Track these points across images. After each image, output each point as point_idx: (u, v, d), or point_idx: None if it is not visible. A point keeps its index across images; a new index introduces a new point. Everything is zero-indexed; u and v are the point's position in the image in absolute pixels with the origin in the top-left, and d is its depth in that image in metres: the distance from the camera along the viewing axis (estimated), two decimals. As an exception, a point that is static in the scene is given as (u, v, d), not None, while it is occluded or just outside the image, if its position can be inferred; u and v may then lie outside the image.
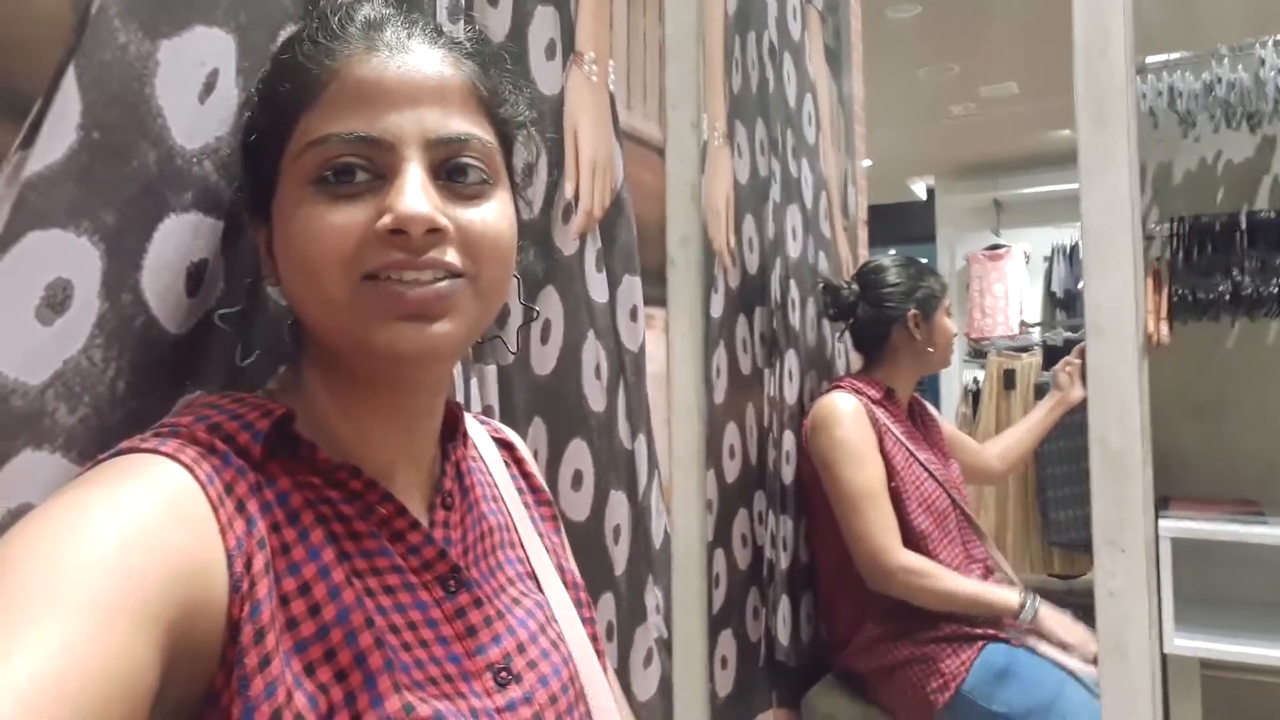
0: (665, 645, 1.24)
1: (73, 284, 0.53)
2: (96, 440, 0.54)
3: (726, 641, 1.46)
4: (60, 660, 0.35)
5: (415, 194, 0.49)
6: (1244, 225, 1.77)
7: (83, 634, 0.36)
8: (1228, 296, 1.73)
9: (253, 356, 0.62)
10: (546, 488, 0.74)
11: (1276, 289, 1.68)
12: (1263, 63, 1.72)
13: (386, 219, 0.49)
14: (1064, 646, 1.50)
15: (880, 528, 1.55)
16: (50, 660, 0.35)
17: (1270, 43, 1.73)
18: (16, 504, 0.50)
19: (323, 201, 0.50)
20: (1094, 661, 1.48)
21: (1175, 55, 1.84)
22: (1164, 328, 1.72)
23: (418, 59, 0.52)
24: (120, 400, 0.56)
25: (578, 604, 0.66)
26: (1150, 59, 1.82)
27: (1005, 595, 1.54)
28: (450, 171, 0.52)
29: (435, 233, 0.50)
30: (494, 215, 0.54)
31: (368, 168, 0.51)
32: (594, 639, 0.66)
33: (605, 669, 0.65)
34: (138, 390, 0.56)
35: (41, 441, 0.52)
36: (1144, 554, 0.95)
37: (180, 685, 0.42)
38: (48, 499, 0.43)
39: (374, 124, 0.50)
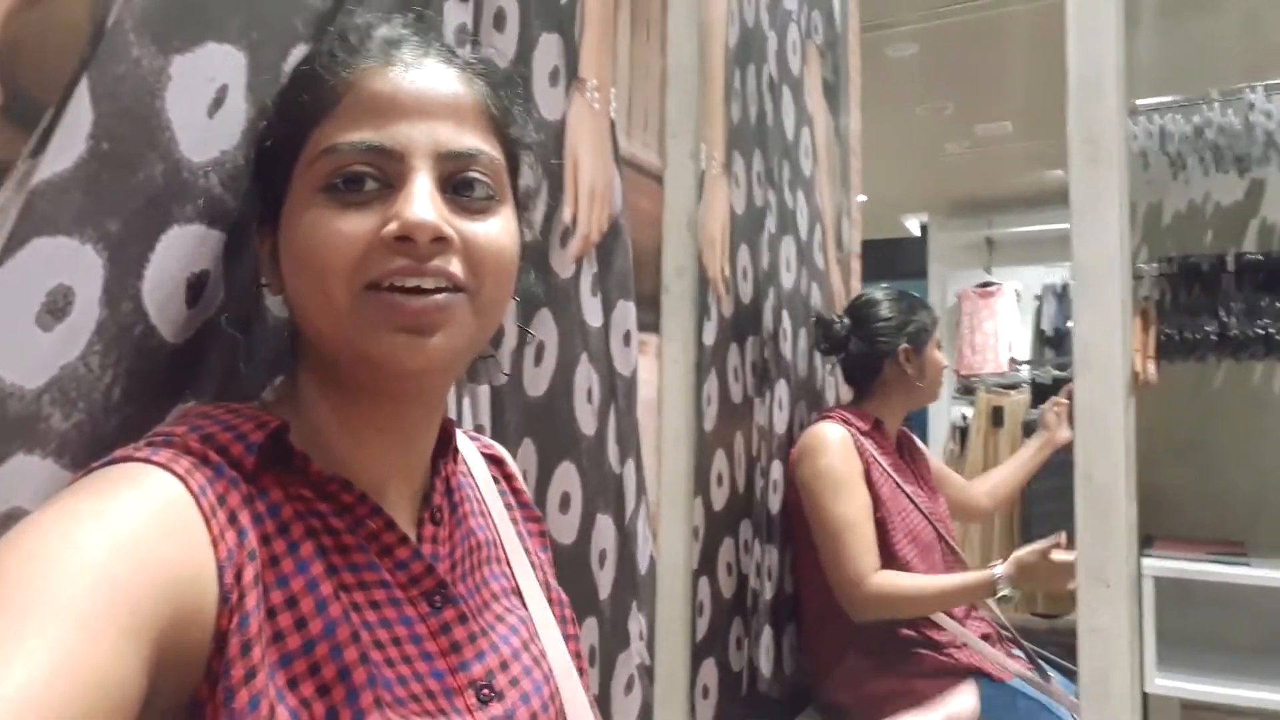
0: (647, 672, 1.23)
1: (74, 291, 0.54)
2: (89, 447, 0.54)
3: (709, 670, 1.45)
4: (49, 671, 0.35)
5: (423, 202, 0.50)
6: (1231, 267, 1.79)
7: (71, 643, 0.36)
8: (1214, 337, 1.75)
9: (252, 366, 0.63)
10: (535, 505, 0.74)
11: (1262, 331, 1.70)
12: (1252, 107, 1.75)
13: (393, 225, 0.50)
14: (1051, 574, 1.44)
15: (857, 557, 1.54)
16: (39, 671, 0.35)
17: (1260, 88, 1.77)
18: (7, 508, 0.50)
19: (331, 208, 0.51)
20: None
21: (1167, 98, 1.87)
22: (1151, 367, 1.74)
23: (433, 75, 0.54)
24: (115, 407, 0.56)
25: (562, 621, 0.67)
26: (1141, 101, 1.86)
27: (976, 575, 1.51)
28: (458, 185, 0.53)
29: (440, 241, 0.51)
30: (498, 231, 0.54)
31: (377, 177, 0.51)
32: (577, 656, 0.66)
33: (586, 689, 0.65)
34: (133, 398, 0.57)
35: (34, 446, 0.52)
36: (1128, 590, 0.96)
37: (167, 695, 0.42)
38: (40, 507, 0.44)
39: (385, 134, 0.51)
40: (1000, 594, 1.47)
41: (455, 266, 0.52)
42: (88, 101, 0.54)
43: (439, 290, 0.51)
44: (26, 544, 0.40)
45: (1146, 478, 1.33)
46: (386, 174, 0.52)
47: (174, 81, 0.59)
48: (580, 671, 0.66)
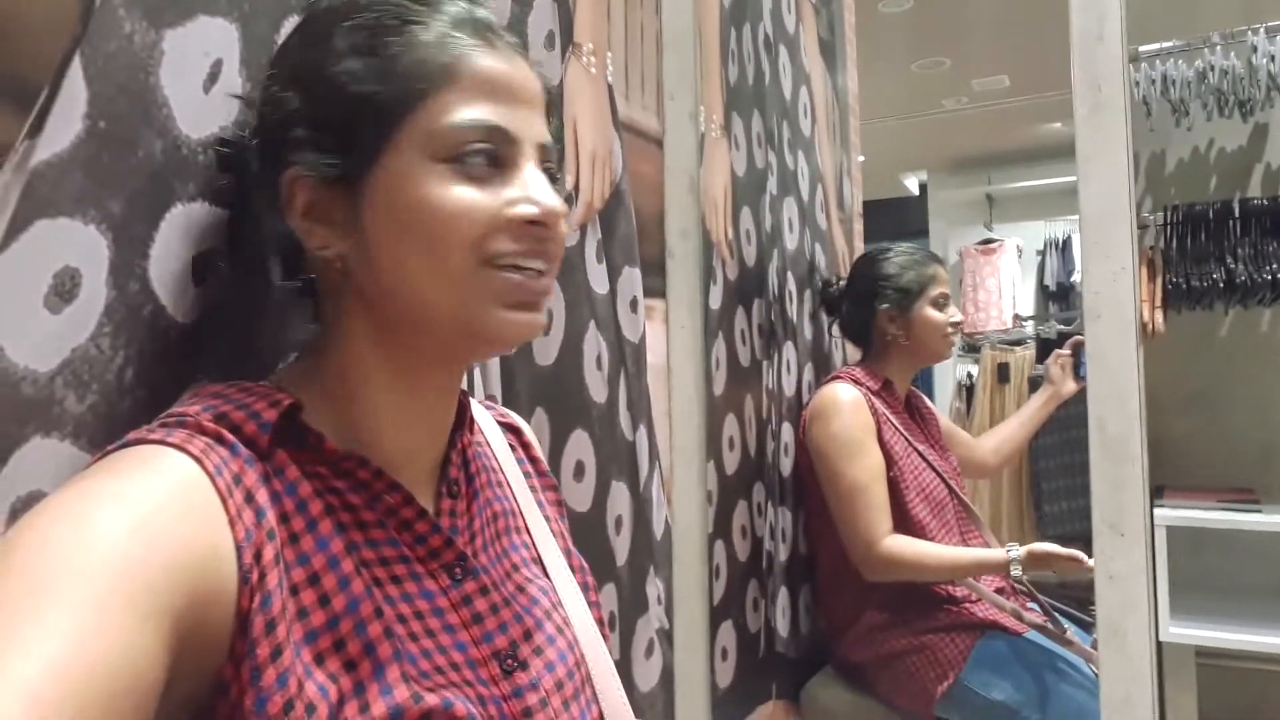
0: (667, 636, 1.24)
1: (81, 272, 0.53)
2: (105, 428, 0.54)
3: (726, 633, 1.46)
4: (67, 653, 0.35)
5: (549, 191, 0.55)
6: (1237, 213, 1.77)
7: (90, 627, 0.36)
8: (1222, 284, 1.74)
9: (265, 343, 0.62)
10: (551, 474, 0.74)
11: (1270, 276, 1.69)
12: (1255, 49, 1.73)
13: (530, 210, 0.53)
14: (1059, 560, 1.48)
15: (872, 518, 1.55)
16: (57, 653, 0.35)
17: (1263, 29, 1.74)
18: (26, 491, 0.50)
19: (452, 180, 0.53)
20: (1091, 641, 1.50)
21: (1168, 44, 1.85)
22: (1159, 316, 1.73)
23: (524, 65, 0.57)
24: (128, 389, 0.56)
25: (584, 588, 0.67)
26: (1143, 47, 1.83)
27: (991, 554, 1.53)
28: (543, 173, 0.56)
29: (556, 229, 0.55)
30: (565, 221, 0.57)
31: (493, 155, 0.54)
32: (600, 623, 0.66)
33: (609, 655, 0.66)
34: (146, 379, 0.57)
35: (50, 429, 0.52)
36: (1143, 538, 0.96)
37: (189, 677, 0.42)
38: (56, 491, 0.44)
39: (506, 117, 0.54)
40: (1012, 559, 1.48)
41: (553, 251, 0.56)
42: (81, 80, 0.53)
43: (543, 274, 0.55)
44: (44, 528, 0.40)
45: (1156, 429, 1.33)
46: (499, 154, 0.54)
47: (167, 56, 0.58)
48: (603, 638, 0.66)
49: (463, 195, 0.52)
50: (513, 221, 0.53)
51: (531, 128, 0.55)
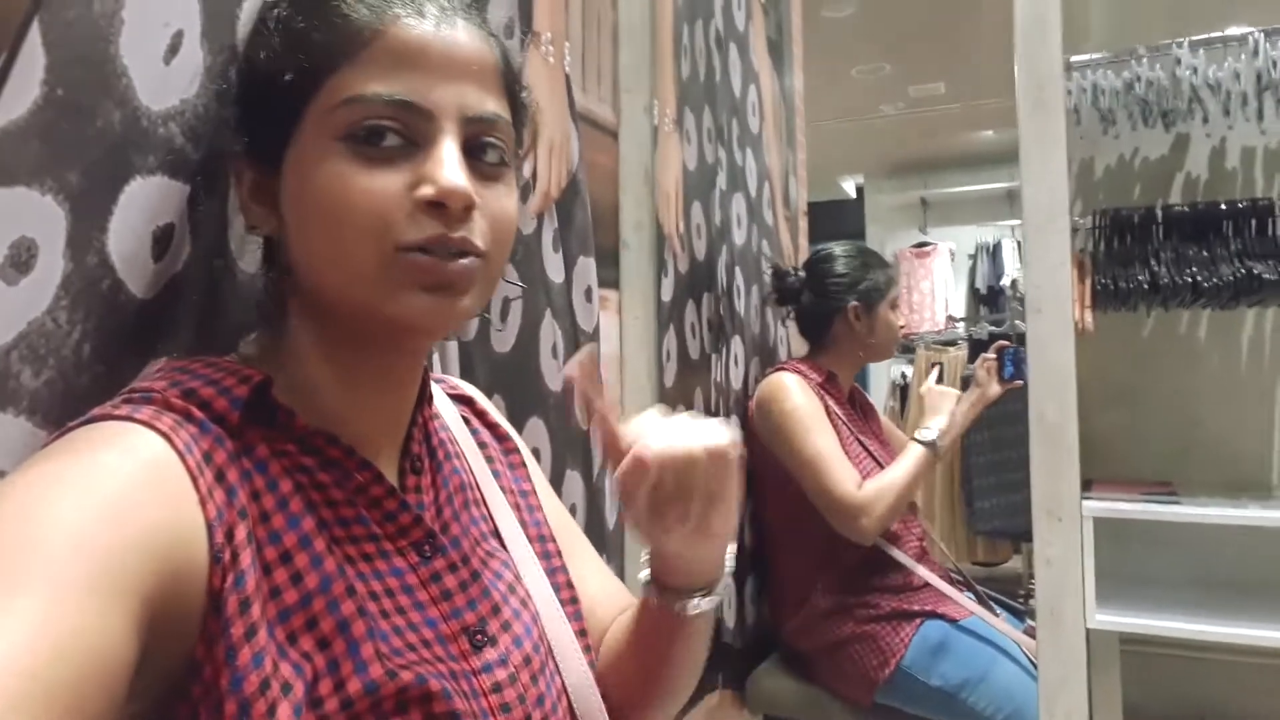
0: (617, 625, 1.25)
1: (37, 243, 0.52)
2: (61, 404, 0.52)
3: (675, 622, 1.47)
4: (32, 639, 0.34)
5: (456, 169, 0.50)
6: (1160, 219, 1.86)
7: (56, 612, 0.35)
8: (1146, 285, 1.82)
9: (224, 320, 0.61)
10: (513, 432, 0.74)
11: (1190, 279, 1.78)
12: (1179, 62, 1.81)
13: (429, 190, 0.49)
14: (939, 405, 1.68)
15: (844, 478, 1.59)
16: (22, 639, 0.34)
17: (1186, 43, 1.83)
18: (-21, 467, 0.49)
19: (354, 162, 0.49)
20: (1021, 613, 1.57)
21: (1098, 55, 1.92)
22: (1088, 315, 1.80)
23: (461, 33, 0.52)
24: (86, 364, 0.54)
25: (544, 555, 0.67)
26: (1074, 58, 1.90)
27: (915, 448, 1.66)
28: (475, 149, 0.52)
29: (469, 209, 0.50)
30: (508, 199, 0.54)
31: (402, 133, 0.50)
32: (568, 586, 0.67)
33: (573, 618, 0.65)
34: (104, 355, 0.55)
35: (5, 404, 0.50)
36: (1078, 523, 1.00)
37: (161, 658, 0.41)
38: (18, 469, 0.42)
39: (416, 90, 0.50)
40: (934, 441, 1.66)
41: (478, 236, 0.51)
42: (40, 46, 0.52)
43: (462, 254, 0.51)
44: (7, 510, 0.39)
45: (1083, 424, 1.39)
46: (411, 131, 0.50)
47: (127, 26, 0.57)
48: (573, 601, 0.66)
49: (360, 180, 0.49)
50: (416, 204, 0.49)
51: (457, 100, 0.51)
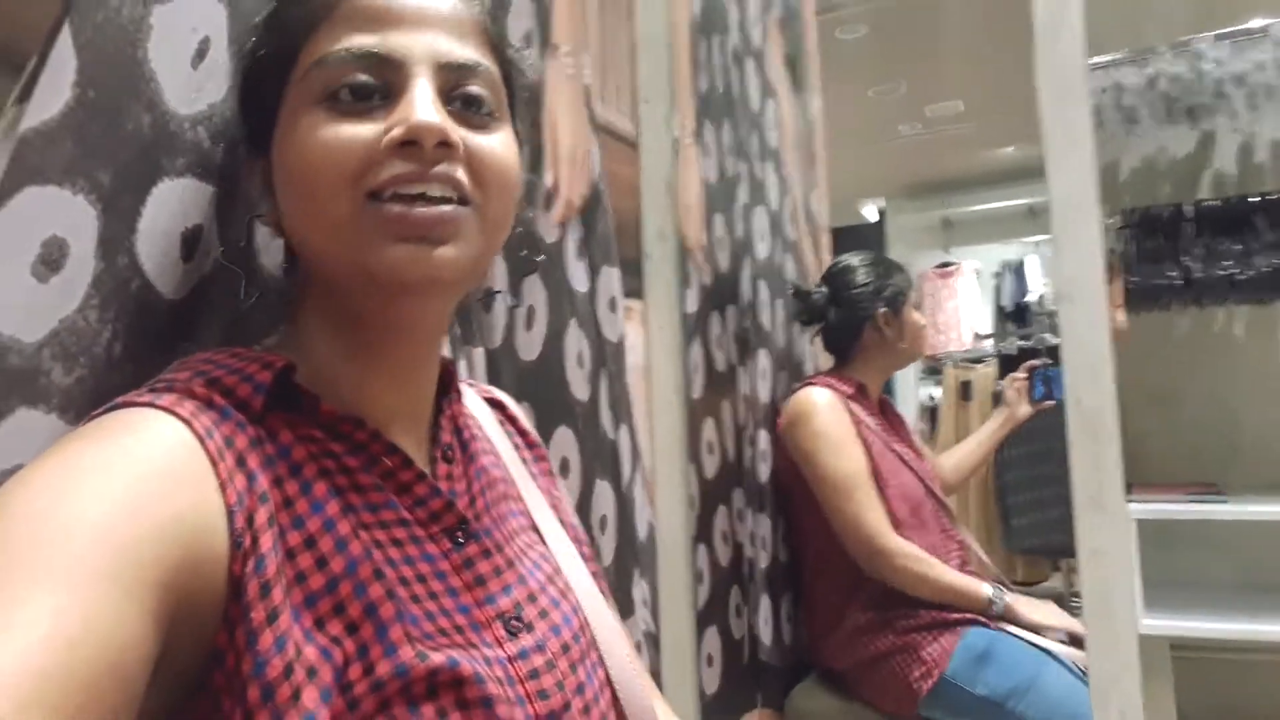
0: (653, 640, 1.23)
1: (68, 243, 0.52)
2: (92, 402, 0.52)
3: (712, 639, 1.45)
4: (47, 635, 0.33)
5: (426, 105, 0.48)
6: (1191, 215, 1.83)
7: (72, 605, 0.35)
8: (1180, 283, 1.79)
9: (251, 319, 0.62)
10: (541, 442, 0.74)
11: (1224, 273, 1.75)
12: (1200, 56, 1.80)
13: (397, 130, 0.48)
14: (1036, 628, 1.53)
15: (872, 511, 1.57)
16: (35, 636, 0.33)
17: (1209, 36, 1.81)
18: (12, 464, 0.49)
19: (328, 118, 0.49)
20: (1070, 641, 1.52)
21: (1118, 55, 1.91)
22: (1120, 315, 1.77)
23: None
24: (116, 363, 0.55)
25: (583, 556, 0.66)
26: (1094, 60, 1.90)
27: (980, 588, 1.57)
28: (459, 99, 0.52)
29: (446, 147, 0.49)
30: (502, 145, 0.53)
31: (377, 87, 0.49)
32: (600, 589, 0.66)
33: (613, 612, 0.65)
34: (134, 353, 0.56)
35: (37, 400, 0.50)
36: (1123, 513, 0.97)
37: (184, 646, 0.41)
38: (40, 457, 0.42)
39: (383, 41, 0.49)
40: (993, 601, 1.56)
41: (461, 175, 0.50)
42: (71, 48, 0.53)
43: (445, 200, 0.49)
44: (25, 499, 0.38)
45: (1121, 427, 1.36)
46: (387, 83, 0.49)
47: (155, 31, 0.58)
48: (604, 599, 0.65)
49: (333, 131, 0.48)
50: (387, 148, 0.47)
51: (429, 46, 0.50)
